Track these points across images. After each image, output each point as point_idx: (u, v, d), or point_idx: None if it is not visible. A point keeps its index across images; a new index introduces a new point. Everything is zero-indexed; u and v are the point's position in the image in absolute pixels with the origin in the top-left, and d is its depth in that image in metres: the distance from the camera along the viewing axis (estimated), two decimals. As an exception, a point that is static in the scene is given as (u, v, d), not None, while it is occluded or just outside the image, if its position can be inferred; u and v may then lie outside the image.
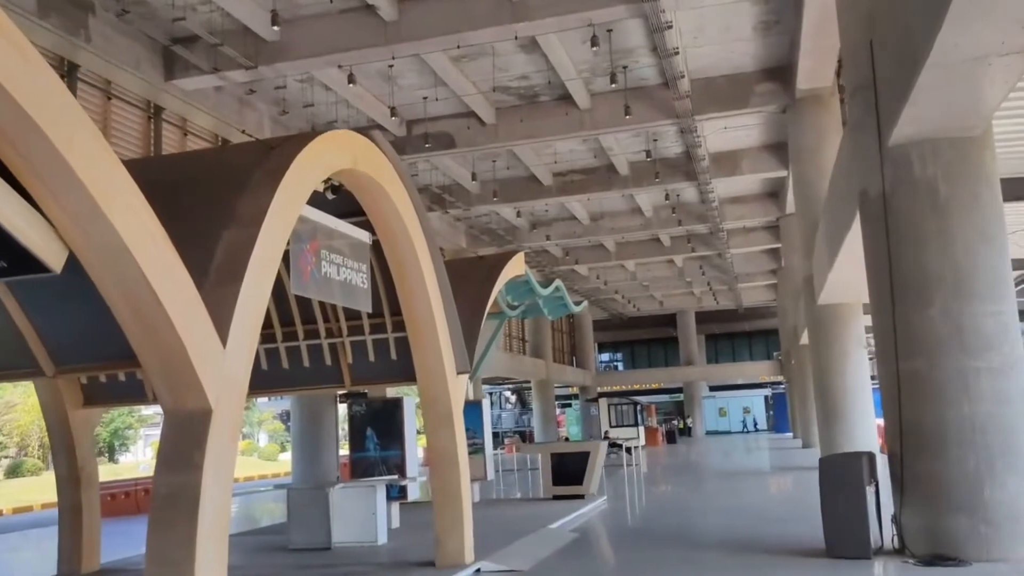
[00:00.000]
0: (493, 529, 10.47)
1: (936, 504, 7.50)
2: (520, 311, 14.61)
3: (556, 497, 13.95)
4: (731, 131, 24.55)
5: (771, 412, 61.61)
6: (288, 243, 5.80)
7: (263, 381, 8.46)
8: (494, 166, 26.39)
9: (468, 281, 9.46)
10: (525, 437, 51.32)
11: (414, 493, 11.32)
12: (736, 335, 66.19)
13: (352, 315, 8.27)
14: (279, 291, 8.02)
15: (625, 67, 19.68)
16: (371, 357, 8.33)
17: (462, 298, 8.81)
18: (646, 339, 66.45)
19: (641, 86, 21.06)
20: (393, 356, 8.26)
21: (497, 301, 13.65)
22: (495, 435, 58.87)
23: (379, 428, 11.54)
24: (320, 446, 19.48)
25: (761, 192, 32.01)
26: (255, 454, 52.44)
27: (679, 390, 60.50)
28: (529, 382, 47.17)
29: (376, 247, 7.47)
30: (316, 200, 6.51)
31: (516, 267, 10.40)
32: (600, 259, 39.14)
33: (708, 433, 57.78)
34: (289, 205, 5.39)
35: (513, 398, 65.34)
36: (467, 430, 14.91)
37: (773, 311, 57.22)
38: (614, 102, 21.18)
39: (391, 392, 11.65)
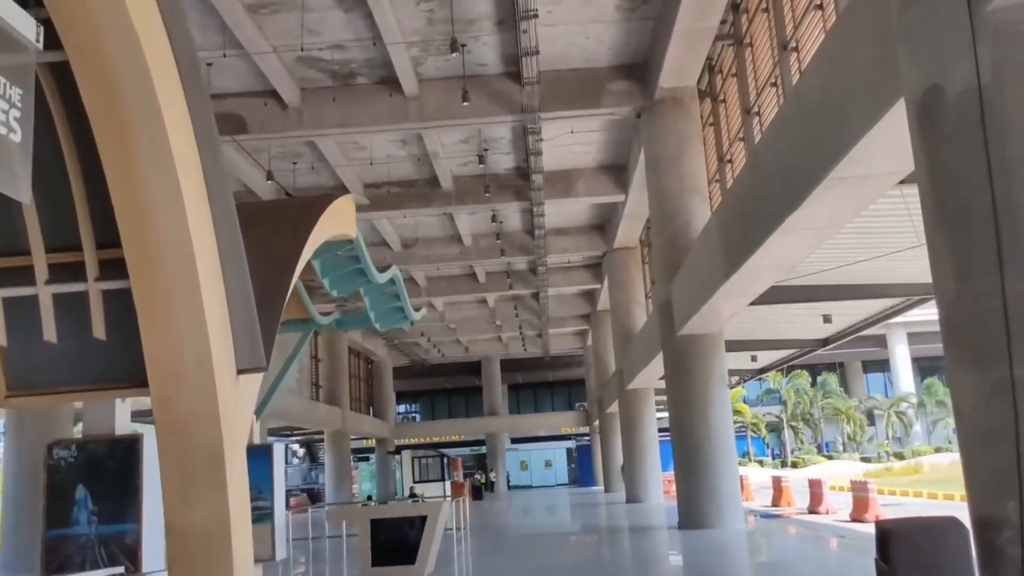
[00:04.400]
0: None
1: (1095, 607, 4.32)
2: (334, 318, 10.53)
3: (376, 582, 9.84)
4: (568, 146, 21.93)
5: (573, 465, 59.80)
6: None
7: None
8: (295, 169, 22.12)
9: (266, 225, 5.51)
10: (315, 496, 45.74)
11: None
12: (539, 385, 64.29)
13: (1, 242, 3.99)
14: None
15: (464, 45, 16.34)
16: (48, 334, 4.10)
17: (256, 249, 4.81)
18: (447, 388, 62.93)
19: (480, 74, 17.85)
20: (98, 333, 4.09)
21: (301, 299, 9.54)
22: (279, 493, 52.76)
23: (98, 487, 7.02)
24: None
25: (588, 224, 29.79)
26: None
27: (480, 442, 57.23)
28: (322, 433, 41.98)
29: (64, 85, 3.40)
30: None
31: (343, 219, 6.50)
32: (409, 294, 35.33)
33: (511, 487, 54.72)
34: None
35: (301, 451, 59.18)
36: (250, 488, 10.50)
37: (578, 360, 55.83)
38: (446, 91, 17.84)
39: (121, 422, 7.13)
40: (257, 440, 10.45)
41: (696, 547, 13.64)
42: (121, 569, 6.65)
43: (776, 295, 14.49)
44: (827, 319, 17.60)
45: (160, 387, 3.94)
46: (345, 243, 7.12)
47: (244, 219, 4.56)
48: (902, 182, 8.21)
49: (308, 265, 7.69)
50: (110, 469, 7.08)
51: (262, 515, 9.99)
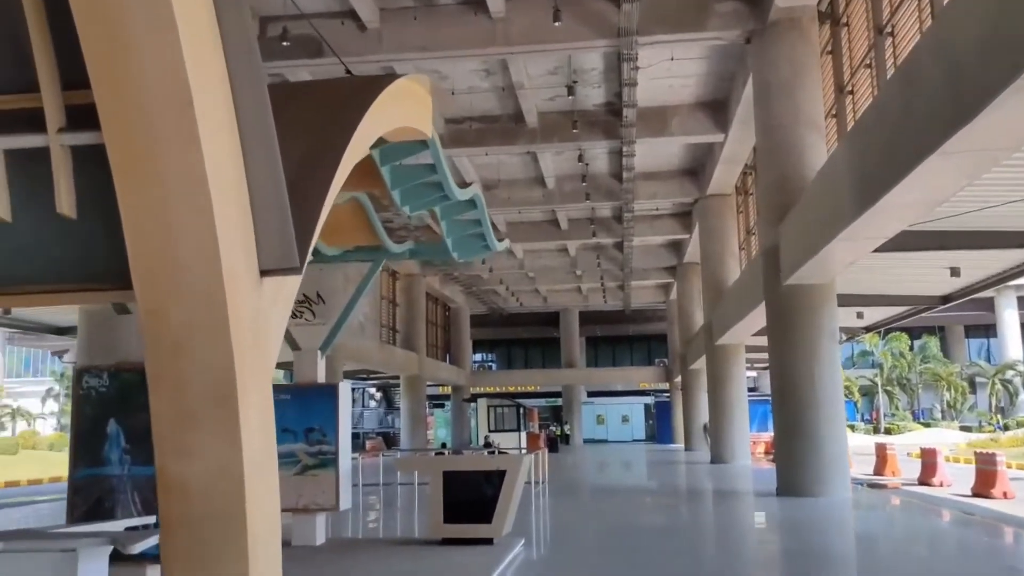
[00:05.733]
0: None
1: None
2: (407, 247, 9.42)
3: (448, 541, 8.84)
4: (664, 80, 20.27)
5: (651, 421, 58.52)
6: None
7: None
8: (373, 100, 21.03)
9: (307, 104, 4.36)
10: (390, 440, 45.79)
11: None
12: (618, 339, 62.80)
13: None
14: None
15: (557, -42, 14.87)
16: (-3, 212, 3.04)
17: (292, 129, 3.65)
18: (524, 339, 62.07)
19: (573, -7, 16.32)
20: (65, 209, 3.01)
21: (371, 224, 8.44)
22: (355, 436, 52.93)
23: (133, 422, 6.12)
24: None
25: (679, 168, 28.02)
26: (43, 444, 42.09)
27: (556, 394, 56.38)
28: (398, 378, 41.68)
29: None
30: None
31: (414, 108, 5.27)
32: (488, 239, 34.20)
33: (586, 441, 53.86)
34: None
35: (378, 395, 59.47)
36: (313, 430, 9.58)
37: (660, 314, 54.19)
38: (536, 12, 16.41)
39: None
40: (323, 379, 9.53)
41: (806, 518, 12.24)
42: (153, 519, 5.73)
43: (903, 241, 12.77)
44: (955, 272, 15.68)
45: (147, 290, 2.83)
46: (418, 145, 5.94)
47: (278, 98, 3.42)
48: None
49: (377, 177, 6.54)
50: (146, 402, 6.16)
51: (325, 461, 9.07)
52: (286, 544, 8.98)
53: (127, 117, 2.63)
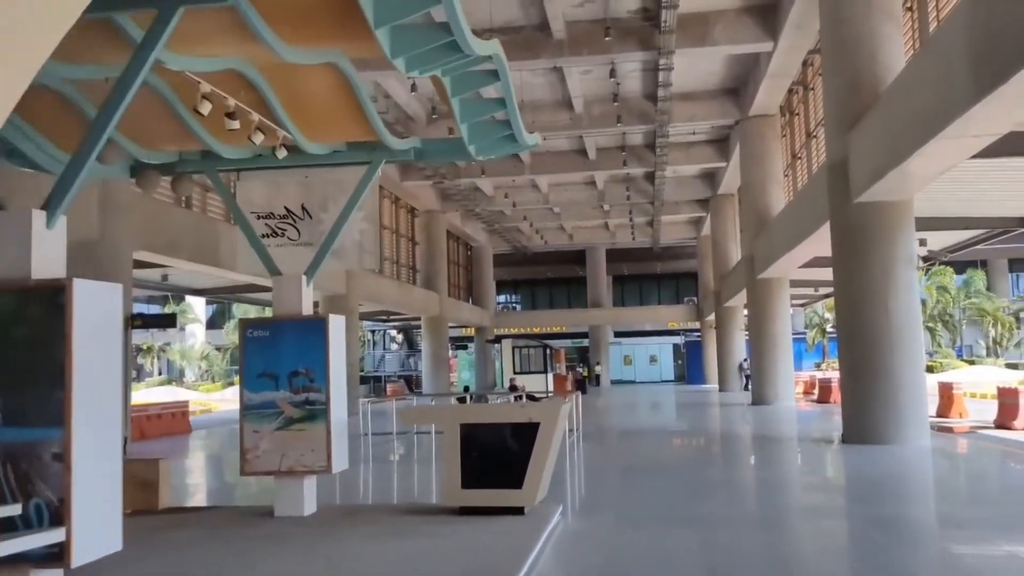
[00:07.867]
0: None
1: None
2: (413, 145, 7.49)
3: (466, 511, 7.08)
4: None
5: (680, 361, 56.79)
6: None
7: None
8: (381, 9, 18.86)
9: None
10: (412, 383, 44.44)
11: (88, 553, 4.14)
12: (645, 277, 60.74)
13: None
14: None
15: None
16: None
17: None
18: (549, 278, 60.17)
19: None
20: None
21: (366, 113, 6.53)
22: (376, 380, 51.50)
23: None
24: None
25: (719, 87, 25.64)
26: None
27: (582, 335, 54.71)
28: (419, 319, 40.07)
29: None
30: None
31: None
32: (510, 171, 32.07)
33: (613, 382, 52.33)
34: None
35: (400, 337, 58.01)
36: (298, 374, 7.81)
37: (689, 251, 52.11)
38: None
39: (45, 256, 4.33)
40: (309, 311, 7.73)
41: (896, 472, 10.41)
42: (18, 508, 3.96)
43: (1009, 144, 10.66)
44: (1052, 185, 13.57)
45: None
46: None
47: None
48: None
49: (355, 15, 4.60)
50: (21, 333, 4.36)
51: (315, 412, 7.26)
52: (267, 515, 7.30)
53: None
